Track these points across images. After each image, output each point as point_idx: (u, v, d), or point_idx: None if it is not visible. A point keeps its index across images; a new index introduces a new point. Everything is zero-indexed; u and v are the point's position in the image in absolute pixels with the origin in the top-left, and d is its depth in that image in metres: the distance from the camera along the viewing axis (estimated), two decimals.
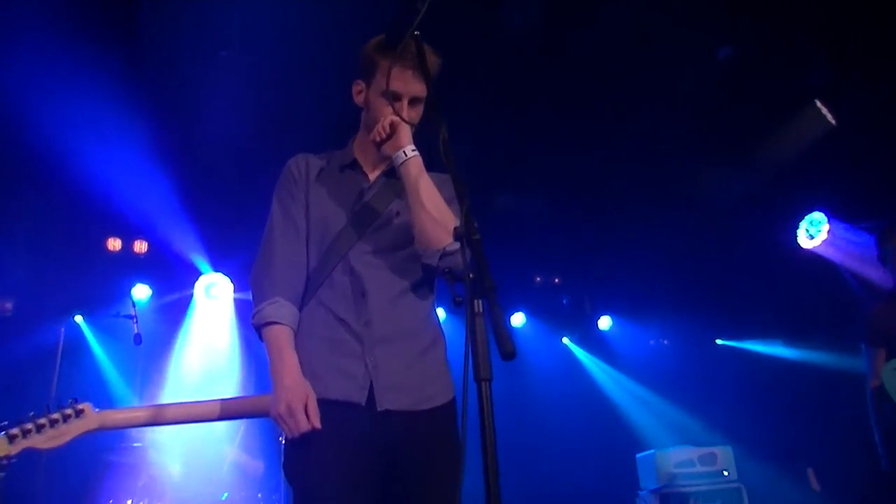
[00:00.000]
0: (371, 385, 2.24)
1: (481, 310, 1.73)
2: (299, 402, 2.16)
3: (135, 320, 5.53)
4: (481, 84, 5.58)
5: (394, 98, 2.36)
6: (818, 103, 5.66)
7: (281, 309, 2.32)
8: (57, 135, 5.62)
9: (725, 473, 7.05)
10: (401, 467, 2.22)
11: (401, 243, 2.41)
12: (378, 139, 2.34)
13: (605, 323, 8.90)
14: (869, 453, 6.25)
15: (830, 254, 7.10)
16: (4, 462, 3.03)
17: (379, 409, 2.22)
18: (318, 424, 2.16)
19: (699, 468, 7.05)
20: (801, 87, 5.60)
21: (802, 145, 5.93)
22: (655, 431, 7.93)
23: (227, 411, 2.37)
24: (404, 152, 2.30)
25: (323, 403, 2.21)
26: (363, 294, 2.33)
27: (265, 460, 5.97)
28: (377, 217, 2.42)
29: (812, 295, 7.39)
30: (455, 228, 1.84)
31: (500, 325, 1.65)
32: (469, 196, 1.86)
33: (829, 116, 5.64)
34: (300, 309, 2.38)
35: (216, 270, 7.10)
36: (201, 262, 6.96)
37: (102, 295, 6.64)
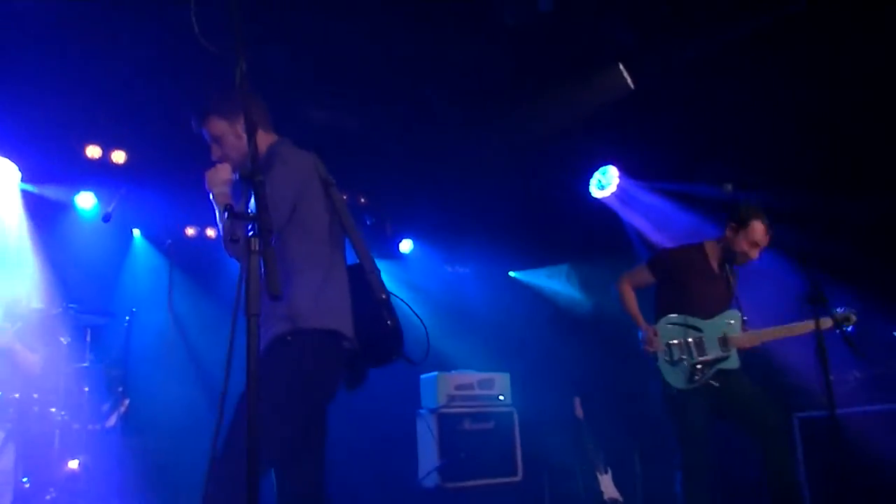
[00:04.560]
0: None
1: (257, 248, 1.81)
2: None
3: None
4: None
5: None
6: (621, 66, 6.03)
7: None
8: None
9: (501, 398, 7.58)
10: None
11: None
12: None
13: (406, 246, 9.11)
14: (627, 386, 6.97)
15: (616, 206, 7.70)
16: None
17: None
18: None
19: (477, 391, 7.53)
20: (608, 46, 5.92)
21: (603, 102, 6.30)
22: (443, 355, 8.31)
23: None
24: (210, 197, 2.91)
25: None
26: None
27: (43, 356, 5.68)
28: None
29: (595, 241, 7.97)
30: (242, 170, 1.92)
31: (270, 266, 1.76)
32: (255, 136, 1.91)
33: (629, 80, 6.03)
34: None
35: None
36: None
37: None
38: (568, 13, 5.59)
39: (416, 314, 3.14)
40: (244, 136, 2.79)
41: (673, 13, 5.46)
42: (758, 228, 4.44)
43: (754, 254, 4.48)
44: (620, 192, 7.62)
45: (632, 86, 6.07)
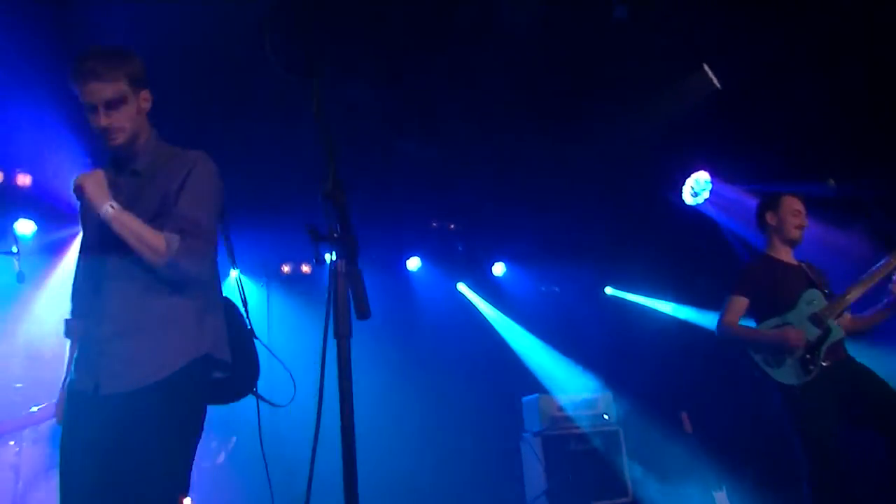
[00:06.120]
0: (98, 372, 2.54)
1: (343, 269, 1.80)
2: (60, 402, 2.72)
3: (17, 257, 5.34)
4: (380, 28, 5.52)
5: (92, 110, 2.59)
6: (706, 67, 5.87)
7: (70, 328, 2.73)
8: None
9: (605, 417, 7.42)
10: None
11: (123, 245, 2.54)
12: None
13: (498, 269, 9.09)
14: (737, 398, 6.70)
15: (713, 213, 7.46)
16: None
17: (102, 393, 2.52)
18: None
19: (580, 412, 7.40)
20: (690, 48, 5.77)
21: (690, 106, 6.14)
22: (543, 376, 8.22)
23: None
24: (104, 211, 2.51)
25: (69, 395, 2.61)
26: (97, 291, 2.60)
27: None
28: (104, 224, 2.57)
29: (694, 250, 7.75)
30: (323, 188, 1.90)
31: (358, 286, 1.74)
32: (336, 157, 1.90)
33: (715, 80, 5.86)
34: None
35: None
36: None
37: None
38: (644, 19, 5.49)
39: (274, 354, 3.01)
40: (143, 113, 2.69)
41: (755, 7, 5.29)
42: (790, 198, 4.55)
43: (801, 220, 4.51)
44: (716, 198, 7.39)
45: (718, 86, 5.89)
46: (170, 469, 2.45)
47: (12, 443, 5.23)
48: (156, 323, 2.55)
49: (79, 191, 2.53)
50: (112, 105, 2.57)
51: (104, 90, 2.55)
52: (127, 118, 2.62)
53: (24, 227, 6.60)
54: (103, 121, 2.57)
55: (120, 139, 2.63)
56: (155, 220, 2.56)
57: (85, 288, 2.67)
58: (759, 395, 4.53)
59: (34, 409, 4.00)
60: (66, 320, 2.73)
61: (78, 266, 2.74)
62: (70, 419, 2.58)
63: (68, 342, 2.75)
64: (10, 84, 5.61)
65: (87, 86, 2.54)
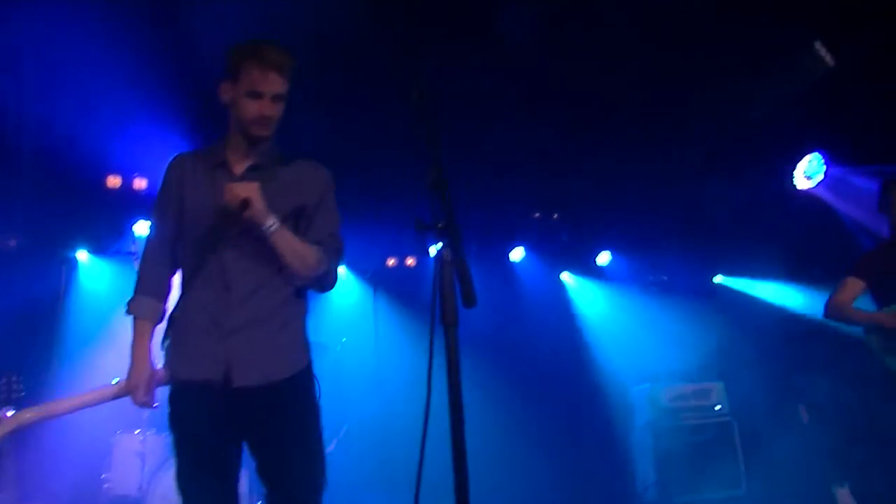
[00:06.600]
0: (228, 365, 2.59)
1: (449, 258, 1.81)
2: (140, 381, 2.66)
3: (135, 257, 5.62)
4: (477, 18, 5.53)
5: (256, 97, 2.64)
6: (818, 45, 5.62)
7: (139, 305, 2.74)
8: (51, 70, 5.58)
9: (717, 408, 7.22)
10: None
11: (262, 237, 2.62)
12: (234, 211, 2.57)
13: (604, 258, 8.95)
14: (858, 389, 6.40)
15: (827, 196, 7.15)
16: None
17: (235, 385, 2.58)
18: (151, 403, 2.70)
19: (692, 402, 7.22)
20: (801, 26, 5.54)
21: (801, 86, 5.90)
22: (652, 366, 8.05)
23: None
24: (268, 227, 2.58)
25: (184, 384, 2.66)
26: (227, 287, 2.63)
27: None
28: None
29: (808, 235, 7.45)
30: (427, 179, 1.91)
31: (464, 274, 1.75)
32: (440, 145, 1.90)
33: (829, 58, 5.60)
34: (180, 297, 2.74)
35: None
36: None
37: (105, 233, 6.71)
38: None
39: None
40: None
41: None
42: None
43: None
44: (830, 181, 7.07)
45: (831, 63, 5.62)
46: (321, 453, 2.78)
47: (137, 431, 5.51)
48: (290, 318, 2.74)
49: (244, 204, 2.54)
50: (277, 99, 2.68)
51: (283, 85, 2.68)
52: (279, 115, 2.73)
53: (144, 228, 6.90)
54: (267, 110, 2.67)
55: (268, 132, 2.73)
56: (285, 221, 2.66)
57: (163, 270, 2.78)
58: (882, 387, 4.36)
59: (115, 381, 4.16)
60: (133, 299, 2.74)
61: (157, 245, 2.79)
62: (192, 410, 2.63)
63: (131, 318, 2.75)
64: (121, 90, 5.85)
65: (268, 74, 2.64)
